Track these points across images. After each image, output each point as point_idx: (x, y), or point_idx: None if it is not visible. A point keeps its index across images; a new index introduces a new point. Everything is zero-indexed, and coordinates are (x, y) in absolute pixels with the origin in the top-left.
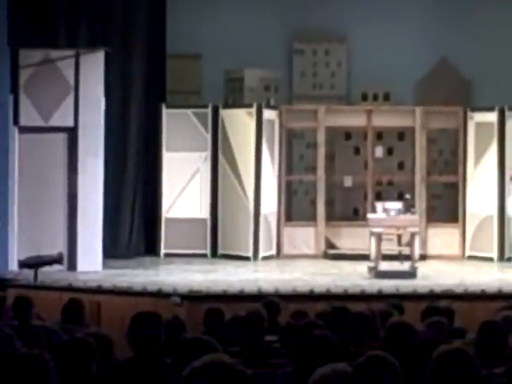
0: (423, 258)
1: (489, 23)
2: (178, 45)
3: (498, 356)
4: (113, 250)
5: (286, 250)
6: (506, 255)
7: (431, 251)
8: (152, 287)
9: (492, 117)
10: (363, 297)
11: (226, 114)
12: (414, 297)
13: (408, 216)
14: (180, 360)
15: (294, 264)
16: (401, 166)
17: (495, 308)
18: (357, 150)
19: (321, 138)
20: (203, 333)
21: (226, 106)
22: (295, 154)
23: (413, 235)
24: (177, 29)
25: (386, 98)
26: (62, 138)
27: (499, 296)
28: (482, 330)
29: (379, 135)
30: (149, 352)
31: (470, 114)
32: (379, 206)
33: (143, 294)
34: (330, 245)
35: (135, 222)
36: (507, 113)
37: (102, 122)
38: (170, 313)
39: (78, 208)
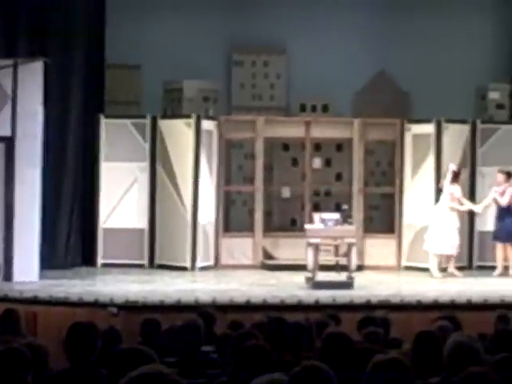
0: (360, 268)
1: (426, 37)
2: (117, 55)
3: (434, 366)
4: (50, 261)
5: (224, 260)
6: (442, 265)
7: (368, 262)
8: (89, 297)
9: (429, 129)
10: (300, 307)
11: (165, 125)
12: (351, 307)
13: (345, 227)
14: (116, 371)
15: (231, 274)
16: (338, 176)
17: (431, 318)
18: (295, 161)
19: (259, 148)
20: (140, 343)
21: (165, 116)
22: (233, 164)
23: (350, 246)
24: (116, 39)
25: (325, 109)
26: None
27: (435, 306)
28: (418, 340)
29: (317, 146)
30: (85, 362)
31: (407, 125)
32: (317, 216)
33: (80, 304)
34: (267, 255)
35: (72, 232)
36: (444, 125)
37: (40, 132)
38: (106, 323)
39: (15, 218)
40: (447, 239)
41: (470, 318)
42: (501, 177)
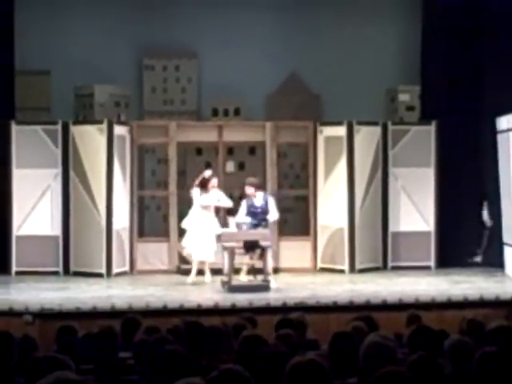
0: (276, 271)
1: (336, 40)
2: (27, 61)
3: (351, 366)
4: None
5: (140, 265)
6: (357, 267)
7: (283, 264)
8: (3, 306)
9: (341, 131)
10: (217, 311)
11: (77, 131)
12: (268, 310)
13: (260, 230)
14: (32, 379)
15: (147, 279)
16: None
17: (347, 319)
18: (208, 165)
19: (172, 153)
20: (55, 351)
21: (77, 122)
22: (147, 169)
23: (265, 249)
24: (25, 45)
25: (237, 113)
26: None
27: (350, 307)
28: (334, 341)
29: (230, 150)
30: (1, 371)
31: (319, 128)
32: (231, 220)
33: None
34: (183, 260)
35: None
36: (355, 127)
37: None
38: (21, 332)
39: None
40: (206, 245)
41: (385, 318)
42: (251, 189)
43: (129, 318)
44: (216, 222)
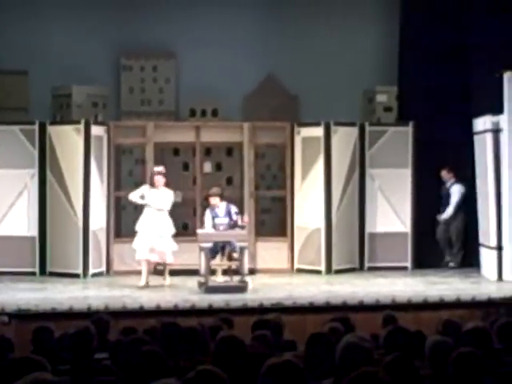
0: (253, 272)
1: (313, 40)
2: (4, 61)
3: (327, 367)
4: None
5: (116, 266)
6: (334, 268)
7: (260, 265)
8: None
9: (318, 131)
10: (193, 312)
11: (54, 131)
12: (244, 311)
13: (237, 231)
14: (8, 380)
15: (123, 280)
16: (229, 181)
17: (324, 320)
18: (185, 166)
19: (149, 153)
20: (31, 352)
21: (54, 122)
22: (124, 169)
23: (242, 250)
24: (2, 45)
25: (214, 113)
26: None
27: (327, 308)
28: (310, 342)
29: (208, 151)
30: None
31: (296, 129)
32: (206, 221)
33: None
34: None
35: None
36: (332, 128)
37: None
38: None
39: None
40: (162, 246)
41: (362, 318)
42: (216, 200)
43: (98, 318)
44: (169, 222)
